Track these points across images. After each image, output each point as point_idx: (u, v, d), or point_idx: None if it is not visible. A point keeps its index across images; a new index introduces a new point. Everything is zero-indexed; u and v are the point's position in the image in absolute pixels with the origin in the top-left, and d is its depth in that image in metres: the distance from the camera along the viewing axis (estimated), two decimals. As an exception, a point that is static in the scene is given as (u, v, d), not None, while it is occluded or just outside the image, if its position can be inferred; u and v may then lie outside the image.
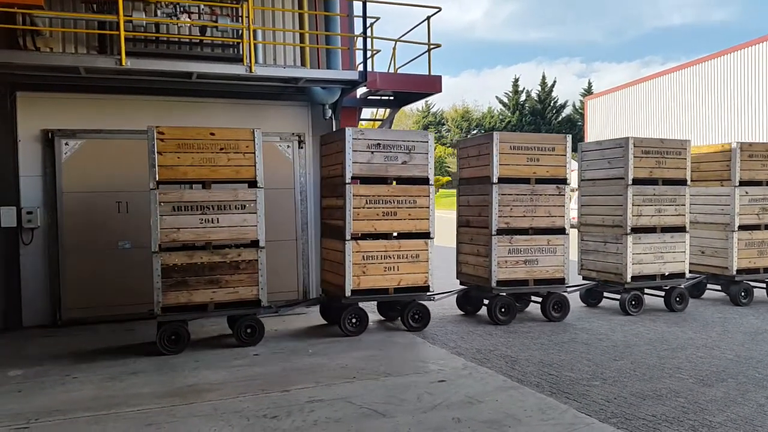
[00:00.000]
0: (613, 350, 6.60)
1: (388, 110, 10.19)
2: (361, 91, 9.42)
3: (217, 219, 6.76)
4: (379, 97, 9.84)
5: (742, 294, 8.82)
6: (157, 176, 6.54)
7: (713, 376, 5.59)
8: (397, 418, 4.54)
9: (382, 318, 8.25)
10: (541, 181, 8.08)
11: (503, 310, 7.97)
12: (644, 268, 8.48)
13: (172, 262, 6.61)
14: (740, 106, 24.12)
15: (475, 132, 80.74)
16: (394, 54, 9.88)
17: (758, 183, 8.85)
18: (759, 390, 5.17)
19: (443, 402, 4.90)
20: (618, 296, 8.59)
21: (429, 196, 7.61)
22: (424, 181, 7.58)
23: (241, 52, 8.20)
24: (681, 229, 8.60)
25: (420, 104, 78.58)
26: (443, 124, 76.15)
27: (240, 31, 8.54)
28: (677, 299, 8.59)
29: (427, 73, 9.36)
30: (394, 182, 7.48)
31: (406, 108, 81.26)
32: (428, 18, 9.61)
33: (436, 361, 6.18)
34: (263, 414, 4.67)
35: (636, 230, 8.43)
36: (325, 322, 8.07)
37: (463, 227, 8.61)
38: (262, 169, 6.90)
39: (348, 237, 7.26)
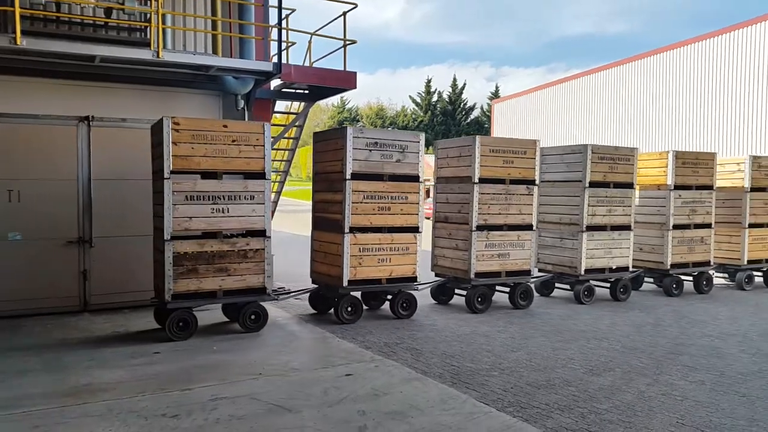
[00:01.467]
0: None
1: (302, 104, 10.27)
2: (275, 83, 9.37)
3: (228, 209, 7.01)
4: (294, 91, 9.84)
5: (674, 286, 10.27)
6: (171, 166, 6.69)
7: (602, 366, 6.10)
8: (303, 413, 4.56)
9: (366, 307, 8.79)
10: (514, 181, 8.98)
11: (480, 299, 8.81)
12: (595, 262, 9.66)
13: (184, 250, 6.79)
14: (636, 113, 26.88)
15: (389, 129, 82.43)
16: (309, 47, 10.03)
17: (689, 187, 10.32)
18: (641, 378, 5.67)
19: (349, 395, 4.98)
20: (570, 287, 9.74)
21: (419, 192, 8.26)
22: (415, 178, 8.22)
23: (148, 37, 7.93)
24: (627, 227, 9.87)
25: (335, 100, 78.96)
26: (358, 121, 77.02)
27: (148, 15, 8.21)
28: (621, 290, 9.85)
29: (342, 69, 9.52)
30: (388, 179, 8.06)
31: (322, 103, 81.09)
32: (344, 14, 9.78)
33: (345, 355, 6.30)
34: (162, 413, 4.53)
35: (590, 228, 9.57)
36: (314, 310, 8.51)
37: (441, 222, 9.34)
38: (270, 162, 7.24)
39: (347, 230, 7.75)
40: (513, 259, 9.01)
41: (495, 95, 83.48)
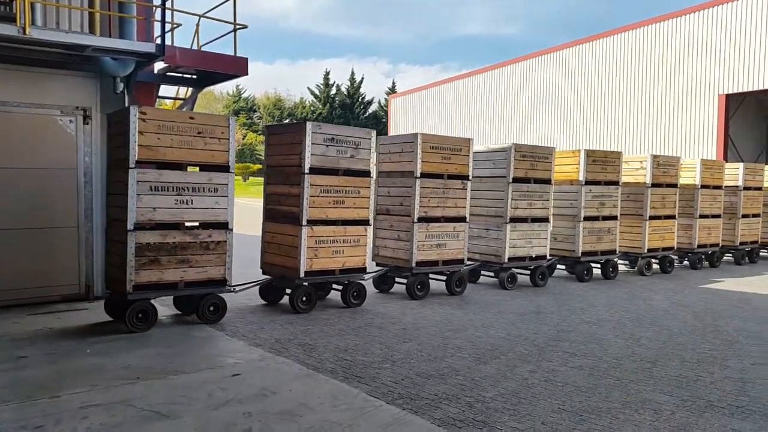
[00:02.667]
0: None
1: (190, 90, 9.97)
2: (159, 66, 9.01)
3: (192, 200, 7.16)
4: (180, 75, 9.48)
5: (585, 272, 11.62)
6: (136, 155, 6.73)
7: (488, 354, 6.36)
8: (183, 419, 4.36)
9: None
10: (451, 176, 9.78)
11: (420, 286, 9.53)
12: (518, 251, 10.73)
13: (146, 240, 6.86)
14: (525, 109, 29.28)
15: (287, 120, 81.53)
16: (197, 30, 9.66)
17: (598, 183, 11.70)
18: (525, 365, 5.94)
19: (235, 397, 4.83)
20: (494, 274, 10.76)
21: (369, 187, 8.80)
22: (367, 173, 8.74)
23: (14, 11, 7.26)
24: (545, 219, 11.03)
25: (231, 88, 76.90)
26: (255, 111, 75.61)
27: (13, -14, 7.46)
28: (540, 276, 11.01)
29: (233, 54, 9.24)
30: (343, 174, 8.52)
31: (216, 92, 78.49)
32: (234, -5, 9.47)
33: (233, 354, 6.13)
34: (23, 425, 4.20)
35: (513, 220, 10.61)
36: (264, 301, 8.79)
37: (382, 215, 9.93)
38: (234, 155, 7.46)
39: (304, 223, 8.13)
40: (449, 249, 9.82)
41: (392, 90, 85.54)
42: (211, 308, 7.45)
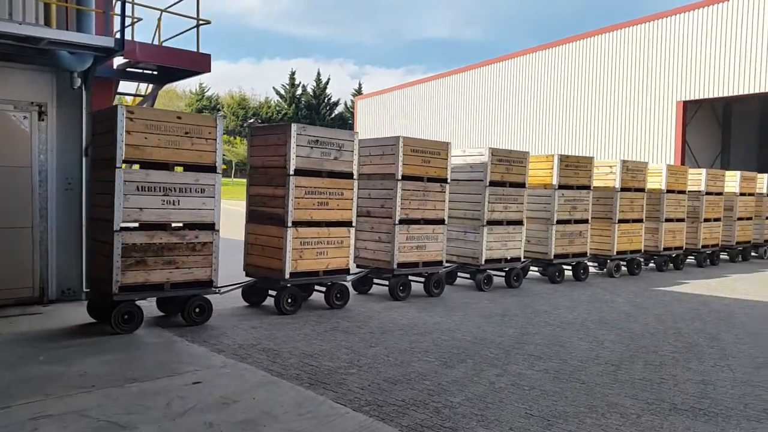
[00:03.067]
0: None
1: (150, 86, 9.80)
2: (119, 61, 8.87)
3: (179, 201, 7.16)
4: (141, 71, 9.31)
5: (557, 274, 11.99)
6: (123, 155, 6.72)
7: (455, 357, 6.34)
8: (140, 429, 4.22)
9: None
10: (431, 179, 9.98)
11: (402, 288, 9.71)
12: (494, 253, 11.01)
13: (133, 241, 6.85)
14: (491, 114, 29.94)
15: (251, 120, 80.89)
16: (159, 25, 9.46)
17: (570, 187, 12.10)
18: (491, 368, 5.93)
19: (196, 406, 4.68)
20: (470, 275, 11.02)
21: (352, 189, 8.94)
22: (350, 175, 8.87)
23: None
24: (520, 222, 11.36)
25: (194, 86, 75.86)
26: (219, 110, 74.71)
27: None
28: (515, 278, 11.32)
29: (195, 50, 9.04)
30: (327, 175, 8.63)
31: (179, 89, 77.02)
32: (197, -9, 9.35)
33: (194, 360, 5.90)
34: None
35: (489, 223, 10.90)
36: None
37: (363, 217, 10.06)
38: (221, 155, 7.50)
39: (289, 224, 8.21)
40: (428, 251, 10.03)
41: (358, 92, 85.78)
42: (197, 310, 7.45)
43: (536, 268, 12.41)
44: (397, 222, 9.56)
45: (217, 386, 5.16)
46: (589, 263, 13.05)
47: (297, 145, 8.23)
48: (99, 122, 7.28)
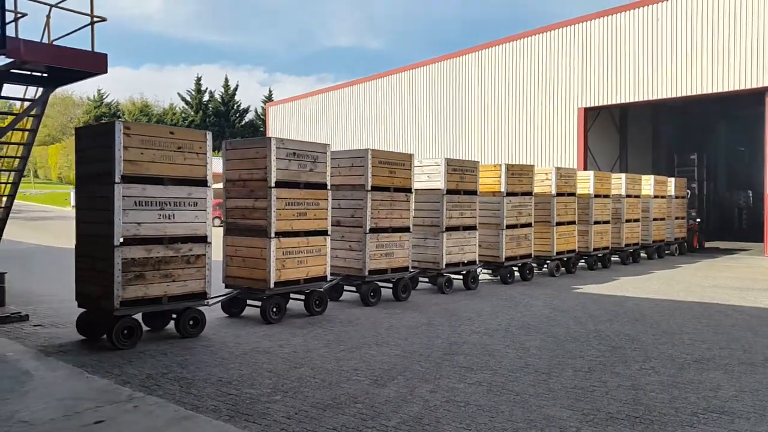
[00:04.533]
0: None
1: (40, 89, 9.18)
2: (2, 61, 8.32)
3: (174, 215, 7.47)
4: (29, 73, 8.78)
5: (508, 275, 13.10)
6: (122, 170, 6.96)
7: (385, 374, 6.11)
8: None
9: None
10: (397, 189, 10.75)
11: (372, 294, 10.36)
12: (452, 258, 11.94)
13: (132, 256, 7.10)
14: (402, 120, 31.19)
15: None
16: (48, 23, 8.93)
17: (516, 194, 13.27)
18: (424, 384, 5.78)
19: None
20: (429, 280, 11.88)
21: (327, 199, 9.52)
22: (324, 186, 9.46)
23: None
24: (474, 228, 12.37)
25: (92, 93, 72.41)
26: (119, 117, 71.70)
27: None
28: (472, 280, 12.30)
29: (90, 50, 8.56)
30: (304, 187, 9.15)
31: (76, 96, 73.08)
32: (90, -14, 8.87)
33: (95, 396, 5.32)
34: None
35: (448, 229, 11.82)
36: (225, 314, 9.16)
37: (333, 226, 10.56)
38: (211, 169, 7.86)
39: (272, 235, 8.67)
40: (396, 257, 10.77)
41: (269, 99, 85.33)
42: (191, 322, 7.76)
43: (487, 271, 13.46)
44: (367, 231, 10.23)
45: (123, 425, 4.64)
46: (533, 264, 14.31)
47: (277, 158, 8.72)
48: (85, 138, 7.44)
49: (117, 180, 6.92)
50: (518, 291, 12.12)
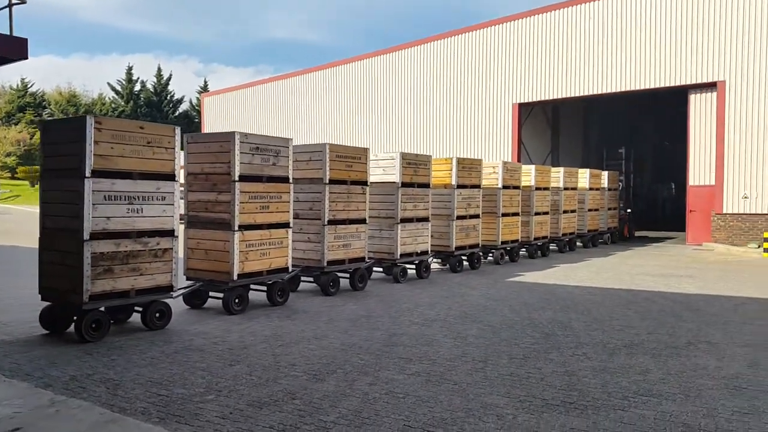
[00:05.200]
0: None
1: None
2: None
3: (142, 209, 7.57)
4: None
5: (457, 264, 13.71)
6: (92, 165, 7.01)
7: (324, 368, 6.03)
8: None
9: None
10: (354, 182, 11.11)
11: (332, 284, 10.71)
12: (406, 248, 12.43)
13: (101, 250, 7.17)
14: (341, 113, 31.45)
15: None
16: None
17: (466, 186, 13.89)
18: (363, 377, 5.71)
19: None
20: (385, 269, 12.32)
21: (289, 192, 9.77)
22: (286, 179, 9.71)
23: None
24: (427, 219, 12.89)
25: (15, 81, 68.70)
26: (45, 107, 68.38)
27: None
28: (424, 269, 12.83)
29: (8, 34, 8.24)
30: (266, 180, 9.37)
31: (-7, 83, 68.89)
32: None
33: (12, 400, 4.96)
34: None
35: (402, 220, 12.28)
36: (187, 306, 9.29)
37: (295, 219, 10.89)
38: (179, 164, 7.98)
39: (236, 228, 8.87)
40: (353, 248, 11.15)
41: (204, 89, 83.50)
42: (158, 314, 7.88)
43: (437, 260, 14.04)
44: (326, 223, 10.56)
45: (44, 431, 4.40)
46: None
47: (240, 152, 8.91)
48: (52, 131, 7.43)
49: (87, 174, 6.97)
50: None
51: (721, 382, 5.71)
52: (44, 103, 68.44)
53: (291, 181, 9.79)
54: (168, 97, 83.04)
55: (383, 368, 6.08)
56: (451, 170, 13.58)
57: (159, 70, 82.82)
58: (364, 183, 11.37)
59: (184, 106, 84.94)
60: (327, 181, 10.56)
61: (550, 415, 4.84)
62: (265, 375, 5.82)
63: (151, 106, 79.28)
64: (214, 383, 5.56)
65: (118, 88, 78.15)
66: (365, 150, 11.46)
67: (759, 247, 18.57)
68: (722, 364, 6.36)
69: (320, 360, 6.37)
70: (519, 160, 24.60)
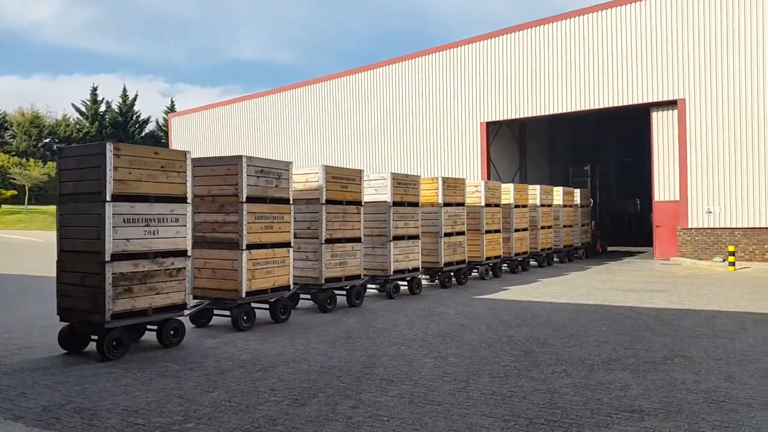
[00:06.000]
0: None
1: None
2: None
3: (158, 231, 7.88)
4: None
5: (447, 280, 14.22)
6: (112, 190, 7.32)
7: (305, 392, 5.91)
8: None
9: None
10: (348, 203, 11.56)
11: (329, 301, 11.07)
12: (399, 265, 12.89)
13: (121, 270, 7.45)
14: (312, 132, 31.70)
15: (48, 141, 73.74)
16: None
17: (451, 204, 14.45)
18: (345, 400, 5.64)
19: None
20: (377, 286, 12.74)
21: (290, 213, 10.16)
22: (287, 201, 10.10)
23: None
24: (417, 236, 13.39)
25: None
26: (7, 129, 67.09)
27: None
28: (416, 285, 13.29)
29: None
30: (270, 201, 9.75)
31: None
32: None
33: None
34: None
35: (395, 238, 12.76)
36: (193, 324, 9.55)
37: (293, 238, 11.24)
38: (191, 187, 8.32)
39: (244, 247, 9.21)
40: (349, 266, 11.57)
41: (171, 109, 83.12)
42: (172, 332, 8.16)
43: (426, 276, 14.53)
44: (323, 241, 10.96)
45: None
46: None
47: (247, 175, 9.29)
48: (70, 158, 7.70)
49: (108, 198, 7.27)
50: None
51: (700, 396, 5.74)
52: (6, 124, 67.16)
53: (291, 201, 10.19)
54: (134, 118, 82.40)
55: (365, 390, 5.98)
56: (437, 189, 14.14)
57: (124, 90, 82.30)
58: (359, 203, 11.82)
59: (150, 127, 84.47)
60: (324, 202, 10.99)
61: (535, 434, 4.79)
62: (244, 401, 5.67)
63: (117, 127, 78.55)
64: (192, 411, 5.39)
65: (83, 108, 77.39)
66: (359, 171, 11.93)
67: (724, 260, 19.20)
68: (699, 378, 6.40)
69: (301, 384, 6.26)
70: (488, 178, 25.12)
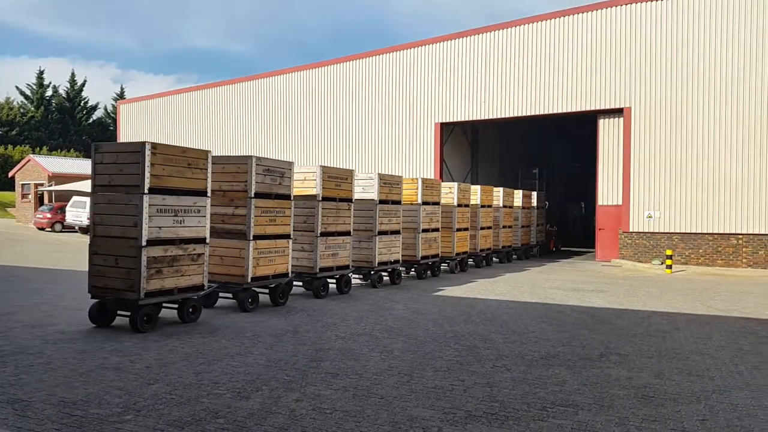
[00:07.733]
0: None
1: None
2: None
3: (184, 220, 8.74)
4: None
5: (423, 271, 15.40)
6: (149, 184, 8.15)
7: (249, 385, 5.90)
8: None
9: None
10: (341, 199, 12.58)
11: (322, 288, 12.08)
12: (383, 257, 13.99)
13: (154, 254, 8.28)
14: (263, 126, 31.69)
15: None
16: None
17: (429, 203, 15.64)
18: (290, 393, 5.63)
19: None
20: (361, 277, 13.81)
21: (291, 208, 11.10)
22: (289, 197, 11.05)
23: None
24: (398, 232, 14.52)
25: None
26: (-53, 110, 64.33)
27: None
28: (396, 276, 14.41)
29: None
30: (275, 197, 10.67)
31: None
32: None
33: None
34: None
35: (380, 233, 13.83)
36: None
37: (295, 231, 12.15)
38: (210, 182, 9.19)
39: (251, 238, 10.12)
40: (340, 257, 12.60)
41: (121, 96, 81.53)
42: (191, 309, 9.05)
43: (402, 267, 15.69)
44: (318, 234, 11.95)
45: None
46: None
47: (255, 173, 10.20)
48: (106, 153, 8.46)
49: (145, 191, 8.09)
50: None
51: (632, 392, 5.97)
52: (-54, 105, 64.51)
53: (292, 198, 11.14)
54: (82, 104, 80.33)
55: (310, 383, 6.04)
56: (417, 189, 15.31)
57: (72, 75, 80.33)
58: (350, 200, 12.86)
59: (98, 113, 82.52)
60: (320, 198, 11.97)
61: (473, 426, 4.94)
62: (186, 394, 5.60)
63: (64, 113, 76.52)
64: (132, 403, 5.31)
65: (28, 92, 74.97)
66: (351, 171, 12.98)
67: (662, 263, 19.62)
68: (632, 374, 6.63)
69: (245, 377, 6.23)
70: (441, 177, 25.72)
